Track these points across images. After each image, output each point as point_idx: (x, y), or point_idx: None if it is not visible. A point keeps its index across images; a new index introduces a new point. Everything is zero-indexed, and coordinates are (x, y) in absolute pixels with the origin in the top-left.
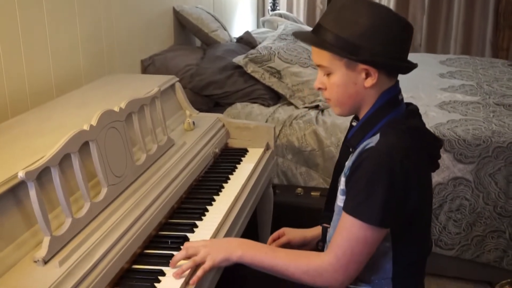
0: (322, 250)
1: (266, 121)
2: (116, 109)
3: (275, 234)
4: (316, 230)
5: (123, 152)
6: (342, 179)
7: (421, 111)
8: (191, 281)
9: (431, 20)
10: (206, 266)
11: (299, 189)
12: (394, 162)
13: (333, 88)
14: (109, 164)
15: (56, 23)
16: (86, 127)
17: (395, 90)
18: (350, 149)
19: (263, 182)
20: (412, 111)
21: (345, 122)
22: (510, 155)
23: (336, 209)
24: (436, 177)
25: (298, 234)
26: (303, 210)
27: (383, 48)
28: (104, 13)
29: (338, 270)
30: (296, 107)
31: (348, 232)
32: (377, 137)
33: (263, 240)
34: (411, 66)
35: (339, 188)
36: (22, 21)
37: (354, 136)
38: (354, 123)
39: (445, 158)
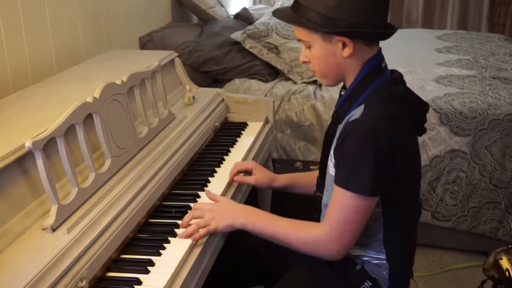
0: (317, 219)
1: (265, 96)
2: (118, 82)
3: (243, 166)
4: (283, 179)
5: (125, 125)
6: (331, 151)
7: (418, 85)
8: (192, 238)
9: None
10: (210, 228)
11: (298, 163)
12: (378, 132)
13: (315, 60)
14: (113, 136)
15: (55, 1)
16: (89, 99)
17: (378, 58)
18: (338, 120)
19: (263, 155)
20: (396, 78)
21: None
22: (505, 127)
23: (329, 178)
24: (433, 150)
25: (266, 179)
26: None
27: (357, 18)
28: None
29: (333, 240)
30: (294, 82)
31: (340, 203)
32: (361, 108)
33: (264, 204)
34: (389, 32)
35: (330, 159)
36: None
37: (341, 107)
38: (342, 93)
39: (441, 131)
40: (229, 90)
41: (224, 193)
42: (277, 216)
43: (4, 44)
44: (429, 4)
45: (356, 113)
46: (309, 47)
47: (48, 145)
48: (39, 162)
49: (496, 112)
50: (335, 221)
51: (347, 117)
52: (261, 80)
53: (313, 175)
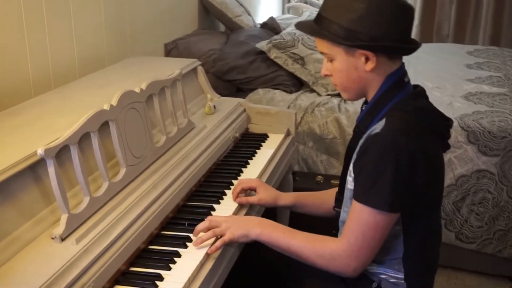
0: (335, 235)
1: (288, 107)
2: (137, 90)
3: (247, 185)
4: (288, 198)
5: (142, 133)
6: (351, 166)
7: (446, 101)
8: (209, 250)
9: (460, 10)
10: (225, 238)
11: (319, 177)
12: (399, 146)
13: (337, 73)
14: (128, 145)
15: (80, 5)
16: (106, 106)
17: (400, 72)
18: (359, 134)
19: (283, 168)
20: (419, 92)
21: None
22: None
23: (347, 193)
24: (460, 169)
25: (270, 199)
26: None
27: (380, 31)
28: None
29: (351, 255)
30: (319, 94)
31: (359, 219)
32: (382, 122)
33: (283, 220)
34: (413, 47)
35: (348, 174)
36: (47, 2)
37: (362, 121)
38: (364, 108)
39: (469, 150)
40: (252, 100)
41: (240, 207)
42: (293, 229)
43: (27, 48)
44: (461, 18)
45: (377, 127)
46: (331, 60)
47: (62, 152)
48: (51, 170)
49: None
50: (353, 236)
51: (368, 131)
52: (285, 91)
53: (320, 195)
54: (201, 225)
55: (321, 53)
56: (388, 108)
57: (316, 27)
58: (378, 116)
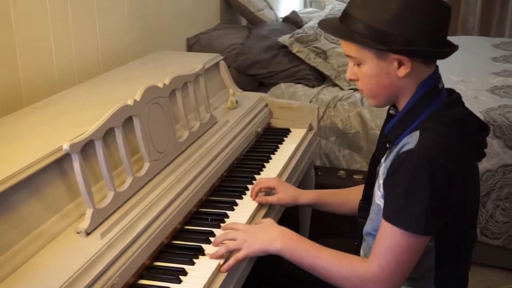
0: (358, 246)
1: (310, 102)
2: (160, 85)
3: (265, 184)
4: (309, 196)
5: (165, 128)
6: (380, 180)
7: (471, 95)
8: (222, 269)
9: (486, 2)
10: (239, 255)
11: (342, 171)
12: (436, 164)
13: (365, 79)
14: (152, 140)
15: (104, 2)
16: (130, 102)
17: (435, 78)
18: (387, 145)
19: (305, 163)
20: (455, 100)
21: None
22: None
23: (374, 207)
24: (485, 164)
25: (290, 198)
26: None
27: (417, 34)
28: None
29: (383, 281)
30: (341, 88)
31: (390, 241)
32: (416, 136)
33: (303, 222)
34: (450, 51)
35: (377, 186)
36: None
37: (392, 131)
38: (392, 111)
39: (495, 145)
40: (274, 94)
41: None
42: (318, 245)
43: (52, 44)
44: (487, 10)
45: (411, 141)
46: (358, 64)
47: (86, 147)
48: (76, 165)
49: None
50: (385, 260)
51: (400, 144)
52: (307, 85)
53: (343, 193)
54: (219, 237)
55: (347, 56)
56: (421, 119)
57: (343, 27)
58: (410, 127)
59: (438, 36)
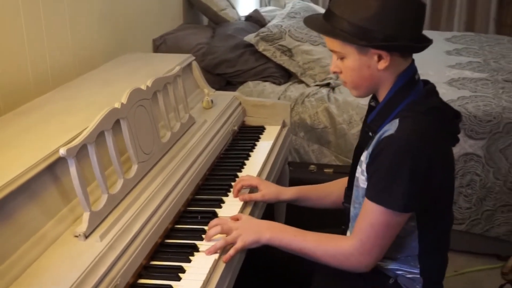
0: (344, 230)
1: (278, 99)
2: (143, 87)
3: (247, 182)
4: (291, 192)
5: (150, 130)
6: (363, 166)
7: None
8: (223, 259)
9: None
10: (238, 246)
11: (312, 166)
12: (415, 148)
13: (347, 72)
14: (139, 141)
15: (75, 3)
16: (117, 105)
17: (411, 70)
18: (370, 133)
19: (282, 159)
20: (430, 89)
21: (357, 99)
22: None
23: (360, 191)
24: None
25: (273, 194)
26: None
27: (395, 30)
28: None
29: (363, 254)
30: (307, 85)
31: (371, 218)
32: (396, 123)
33: (279, 215)
34: (425, 45)
35: (360, 172)
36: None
37: (374, 121)
38: (372, 103)
39: None
40: (243, 93)
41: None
42: (303, 230)
43: (27, 48)
44: (436, 5)
45: (391, 128)
46: (341, 58)
47: (78, 151)
48: (73, 169)
49: (510, 115)
50: (365, 235)
51: (381, 132)
52: (274, 82)
53: (323, 187)
54: (212, 231)
55: (331, 50)
56: (400, 108)
57: (327, 25)
58: (391, 116)
59: (414, 32)
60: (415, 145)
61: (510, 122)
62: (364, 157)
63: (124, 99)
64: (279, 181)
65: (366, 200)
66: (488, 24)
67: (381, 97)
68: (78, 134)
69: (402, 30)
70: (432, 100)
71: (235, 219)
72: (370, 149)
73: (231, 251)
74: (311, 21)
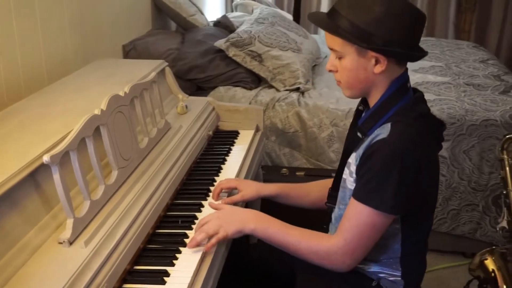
0: (326, 229)
1: (250, 104)
2: (122, 93)
3: (226, 185)
4: (272, 188)
5: (128, 136)
6: (352, 167)
7: None
8: (205, 248)
9: None
10: (220, 235)
11: (284, 169)
12: (406, 153)
13: (344, 71)
14: (118, 147)
15: (46, 8)
16: (97, 111)
17: (404, 77)
18: (360, 136)
19: (256, 162)
20: (419, 97)
21: (327, 103)
22: (482, 133)
23: (347, 192)
24: None
25: (253, 192)
26: None
27: (395, 36)
28: None
29: (346, 253)
30: (277, 90)
31: (357, 218)
32: (387, 127)
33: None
34: (421, 55)
35: (348, 173)
36: (15, 6)
37: (365, 124)
38: (361, 107)
39: None
40: (214, 98)
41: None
42: (288, 224)
43: None
44: None
45: (383, 132)
46: (339, 58)
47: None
48: (56, 176)
49: (473, 118)
50: (350, 235)
51: (372, 135)
52: (245, 87)
53: (304, 186)
54: (198, 237)
55: (330, 49)
56: (392, 113)
57: (331, 23)
58: (382, 120)
59: (413, 41)
60: (406, 149)
61: (472, 124)
62: (352, 159)
63: (103, 106)
64: None
65: (353, 200)
66: (447, 29)
67: (373, 100)
68: (57, 141)
69: (401, 38)
70: (422, 107)
71: (218, 209)
72: (360, 151)
73: (213, 240)
74: (316, 18)
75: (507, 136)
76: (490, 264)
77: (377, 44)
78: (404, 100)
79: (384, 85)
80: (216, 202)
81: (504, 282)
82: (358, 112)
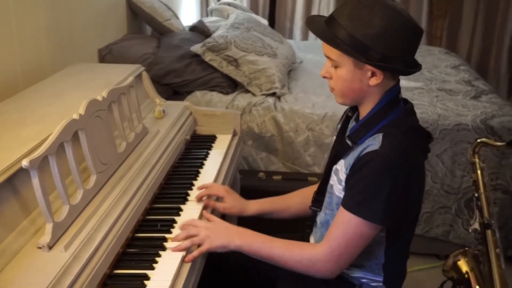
0: (308, 234)
1: (227, 108)
2: (100, 98)
3: (214, 191)
4: (254, 208)
5: (107, 140)
6: (340, 175)
7: None
8: (186, 259)
9: None
10: (203, 248)
11: (261, 173)
12: (397, 166)
13: (338, 80)
14: (96, 152)
15: (21, 13)
16: (75, 116)
17: (397, 89)
18: (350, 144)
19: (234, 167)
20: (410, 109)
21: (303, 108)
22: (454, 137)
23: (334, 199)
24: None
25: (236, 209)
26: (267, 193)
27: (393, 52)
28: (63, 1)
29: (331, 261)
30: (254, 95)
31: (346, 227)
32: (379, 138)
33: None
34: (416, 70)
35: (336, 180)
36: None
37: (356, 133)
38: (349, 113)
39: None
40: (191, 103)
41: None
42: (271, 237)
43: None
44: None
45: (375, 143)
46: (335, 66)
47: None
48: (35, 181)
49: (445, 122)
50: (336, 243)
51: (363, 144)
52: (221, 92)
53: (282, 200)
54: (181, 234)
55: (327, 57)
56: (383, 124)
57: (329, 32)
58: (373, 130)
59: (409, 56)
60: (398, 162)
61: (445, 129)
62: (341, 166)
63: (81, 110)
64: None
65: (342, 209)
66: None
67: (364, 109)
68: (35, 146)
69: (398, 53)
70: (412, 120)
71: (209, 219)
72: (350, 159)
73: (195, 252)
74: (314, 25)
75: (478, 140)
76: (463, 265)
77: (375, 58)
78: (395, 112)
79: (377, 96)
80: (209, 214)
81: (477, 283)
82: (346, 118)
